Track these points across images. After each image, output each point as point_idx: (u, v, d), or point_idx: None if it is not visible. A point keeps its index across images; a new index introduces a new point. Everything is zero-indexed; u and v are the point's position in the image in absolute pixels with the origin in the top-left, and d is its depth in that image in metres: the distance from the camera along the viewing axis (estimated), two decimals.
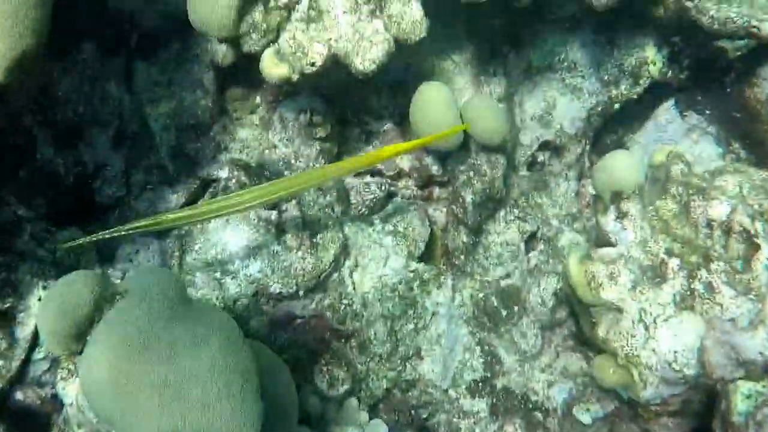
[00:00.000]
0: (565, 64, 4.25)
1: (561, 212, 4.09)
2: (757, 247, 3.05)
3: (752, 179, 3.44)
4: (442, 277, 3.76)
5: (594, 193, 3.81)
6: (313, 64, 3.28)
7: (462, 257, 3.83)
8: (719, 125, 4.21)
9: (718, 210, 3.12)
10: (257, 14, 3.21)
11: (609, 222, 3.28)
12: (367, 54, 3.30)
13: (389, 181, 3.91)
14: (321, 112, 3.76)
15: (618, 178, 3.33)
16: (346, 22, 3.36)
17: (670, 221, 3.20)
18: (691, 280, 3.12)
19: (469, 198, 3.77)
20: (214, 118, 3.79)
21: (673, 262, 3.09)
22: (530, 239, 4.04)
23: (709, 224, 3.14)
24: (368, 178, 3.88)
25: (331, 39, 3.36)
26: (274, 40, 3.32)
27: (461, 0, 3.50)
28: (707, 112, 4.25)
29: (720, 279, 3.09)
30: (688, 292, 3.11)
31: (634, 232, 3.19)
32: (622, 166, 3.35)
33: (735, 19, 3.60)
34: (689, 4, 3.68)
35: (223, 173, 3.67)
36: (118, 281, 2.85)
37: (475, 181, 3.80)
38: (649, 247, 3.14)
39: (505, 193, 3.96)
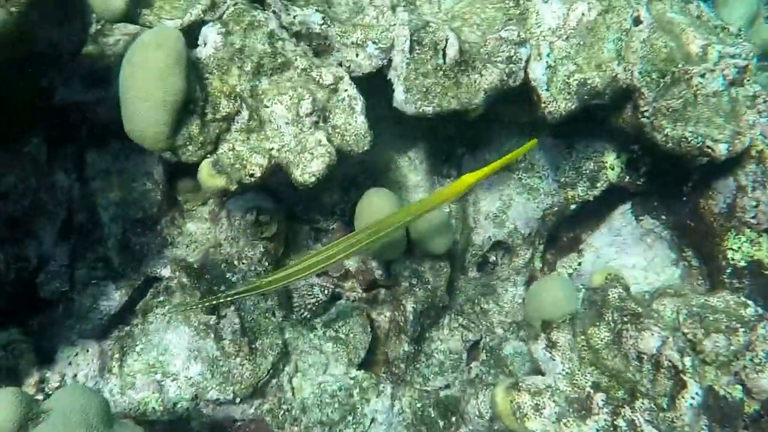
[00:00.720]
0: (523, 164, 4.18)
1: (506, 320, 4.00)
2: (684, 385, 2.96)
3: (690, 304, 3.37)
4: (382, 385, 3.67)
5: (525, 319, 3.73)
6: (252, 176, 3.22)
7: (402, 366, 3.75)
8: (674, 232, 4.12)
9: (649, 343, 3.02)
10: (194, 128, 3.14)
11: (539, 350, 3.20)
12: (308, 167, 3.23)
13: (335, 281, 3.85)
14: (269, 211, 3.69)
15: (549, 308, 3.24)
16: (288, 132, 3.31)
17: (601, 351, 3.11)
18: (615, 416, 3.03)
19: (410, 307, 3.69)
20: (163, 210, 3.74)
21: (599, 397, 3.00)
22: (473, 347, 3.95)
23: (639, 357, 3.06)
24: (314, 280, 3.82)
25: (273, 149, 3.30)
26: (213, 151, 3.26)
27: (407, 113, 3.44)
28: (663, 217, 4.17)
29: (643, 417, 2.99)
30: (611, 429, 3.04)
31: (563, 363, 3.10)
32: (553, 295, 3.26)
33: (690, 139, 3.52)
34: (645, 120, 3.60)
35: (166, 272, 3.63)
36: (43, 399, 2.81)
37: (418, 289, 3.72)
38: (577, 379, 3.06)
39: (448, 300, 3.88)
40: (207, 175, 3.19)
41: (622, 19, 3.69)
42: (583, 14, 3.63)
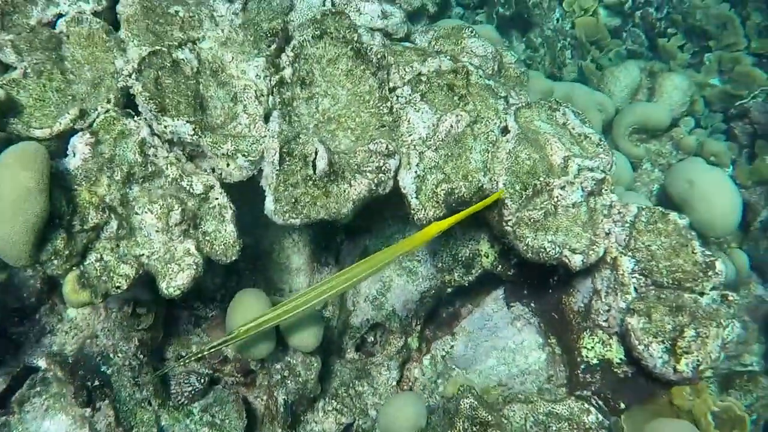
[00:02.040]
0: None
1: (380, 402, 4.13)
2: None
3: (537, 412, 3.52)
4: None
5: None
6: (118, 288, 3.25)
7: None
8: (541, 318, 4.26)
9: None
10: (59, 242, 3.13)
11: None
12: (174, 280, 3.26)
13: (215, 365, 3.92)
14: (146, 303, 3.73)
15: (399, 426, 3.38)
16: (158, 240, 3.33)
17: None
18: None
19: (281, 398, 3.77)
20: (43, 298, 3.75)
21: None
22: (347, 430, 4.07)
23: None
24: (193, 366, 3.88)
25: (143, 255, 3.33)
26: (80, 262, 3.27)
27: (277, 222, 3.49)
28: (532, 305, 4.29)
29: None
30: None
31: None
32: (403, 413, 3.40)
33: (548, 249, 3.62)
34: (509, 228, 3.71)
35: (42, 363, 3.64)
36: None
37: (289, 381, 3.80)
38: None
39: (319, 391, 3.98)
40: (71, 290, 3.19)
41: (489, 129, 3.77)
42: (451, 126, 3.69)
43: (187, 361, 3.46)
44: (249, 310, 3.53)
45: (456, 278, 4.27)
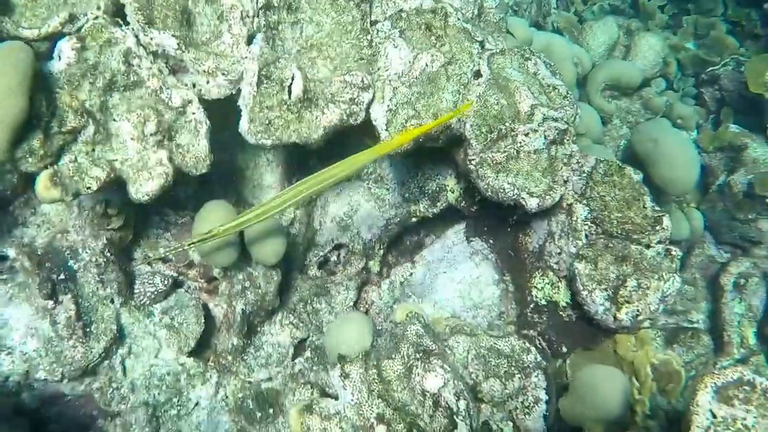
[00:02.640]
0: (373, 176, 4.39)
1: (335, 320, 4.33)
2: (455, 426, 3.35)
3: (480, 346, 3.69)
4: (208, 373, 3.97)
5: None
6: (89, 188, 3.35)
7: (230, 357, 4.04)
8: (498, 255, 4.45)
9: (432, 383, 3.35)
10: (35, 142, 3.20)
11: (334, 377, 3.50)
12: (143, 186, 3.38)
13: (180, 269, 4.06)
14: (117, 204, 3.83)
15: (345, 345, 3.55)
16: (132, 147, 3.43)
17: (393, 382, 3.42)
18: None
19: (239, 308, 3.94)
20: (19, 191, 3.83)
21: (380, 429, 3.37)
22: (300, 344, 4.27)
23: (424, 393, 3.42)
24: (159, 267, 4.03)
25: (116, 160, 3.43)
26: (54, 162, 3.37)
27: (249, 142, 3.60)
28: (491, 241, 4.47)
29: None
30: None
31: (353, 394, 3.42)
32: (349, 334, 3.56)
33: (507, 190, 3.76)
34: (471, 167, 3.85)
35: (11, 252, 3.75)
36: None
37: (249, 293, 3.96)
38: (363, 410, 3.40)
39: (277, 304, 4.15)
40: (43, 187, 3.29)
41: (462, 72, 3.86)
42: (426, 65, 3.78)
43: (168, 253, 3.58)
44: (215, 219, 3.64)
45: (421, 209, 4.43)
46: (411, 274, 4.52)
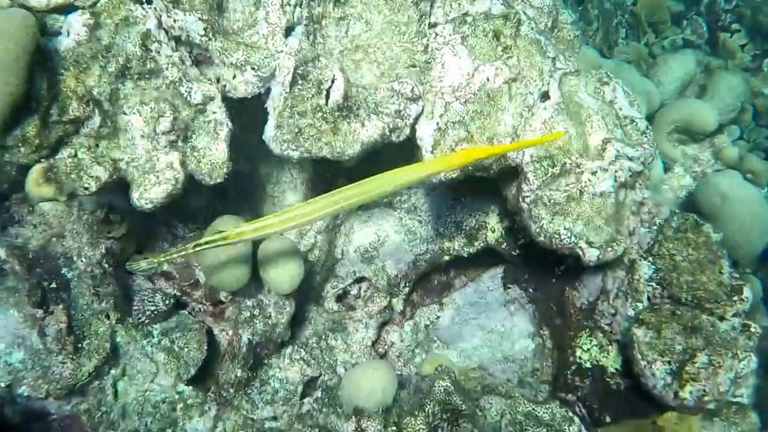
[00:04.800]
0: (406, 205, 3.91)
1: (351, 360, 3.81)
2: None
3: (516, 410, 3.22)
4: (207, 405, 3.47)
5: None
6: (86, 189, 2.91)
7: (231, 390, 3.53)
8: (536, 307, 3.92)
9: None
10: (30, 128, 2.78)
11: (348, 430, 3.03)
12: (148, 191, 2.93)
13: (185, 288, 3.59)
14: (121, 211, 3.38)
15: (364, 397, 3.05)
16: (142, 145, 2.98)
17: None
18: None
19: (246, 338, 3.45)
20: (17, 186, 3.40)
21: None
22: (311, 383, 3.75)
23: None
24: (161, 283, 3.55)
25: (122, 159, 2.98)
26: (51, 155, 2.92)
27: (273, 152, 3.12)
28: (530, 290, 3.95)
29: None
30: None
31: None
32: (371, 385, 3.06)
33: (563, 236, 3.25)
34: (524, 205, 3.33)
35: (1, 253, 3.32)
36: None
37: (258, 322, 3.47)
38: None
39: (288, 337, 3.64)
40: (34, 182, 2.87)
41: (528, 91, 3.36)
42: (488, 79, 3.28)
43: (169, 257, 2.93)
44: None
45: (456, 247, 3.92)
46: (438, 317, 4.01)
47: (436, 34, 3.38)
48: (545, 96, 3.38)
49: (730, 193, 4.70)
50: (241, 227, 2.77)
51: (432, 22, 3.48)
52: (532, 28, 3.45)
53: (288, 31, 3.16)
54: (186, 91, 3.00)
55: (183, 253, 2.81)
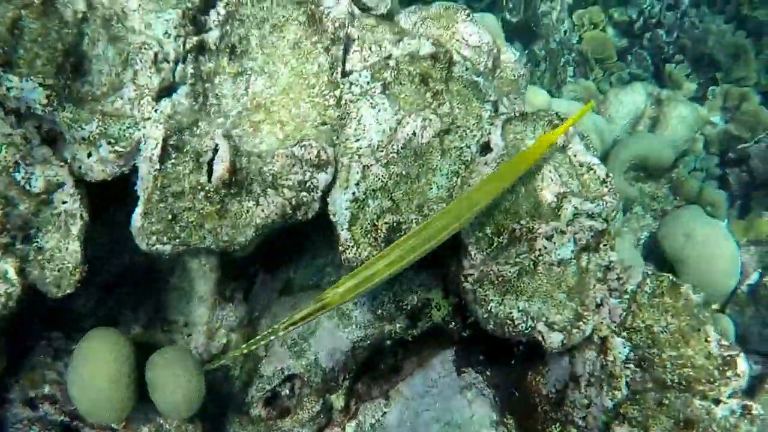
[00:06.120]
0: None
1: None
2: None
3: None
4: None
5: None
6: None
7: None
8: (497, 392, 3.11)
9: None
10: None
11: None
12: None
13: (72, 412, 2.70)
14: None
15: None
16: None
17: None
18: None
19: None
20: None
21: None
22: None
23: None
24: (45, 408, 2.66)
25: None
26: None
27: (140, 247, 2.29)
28: (487, 374, 3.13)
29: None
30: None
31: None
32: None
33: (517, 321, 2.47)
34: (468, 286, 2.54)
35: None
36: None
37: None
38: None
39: None
40: None
41: (465, 144, 2.59)
42: (413, 133, 2.51)
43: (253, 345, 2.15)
44: (100, 359, 2.32)
45: (398, 330, 3.09)
46: (384, 413, 3.19)
47: (351, 84, 2.60)
48: (486, 147, 2.62)
49: (694, 232, 4.07)
50: (341, 285, 2.12)
51: (348, 69, 2.70)
52: (467, 69, 2.70)
53: (165, 92, 2.37)
54: (23, 179, 2.17)
55: (272, 336, 2.12)
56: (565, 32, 5.96)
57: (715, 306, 4.52)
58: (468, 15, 3.08)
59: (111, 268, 2.83)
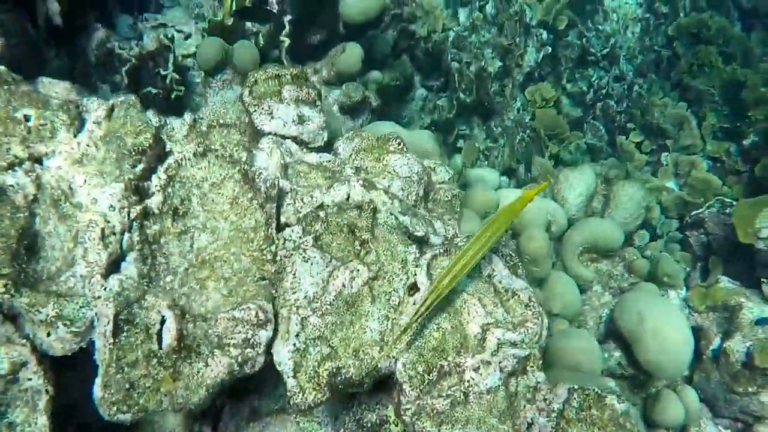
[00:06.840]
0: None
1: None
2: None
3: None
4: None
5: None
6: None
7: None
8: None
9: None
10: None
11: None
12: None
13: None
14: None
15: None
16: None
17: None
18: None
19: None
20: None
21: None
22: None
23: None
24: None
25: None
26: None
27: (103, 416, 2.47)
28: None
29: None
30: None
31: None
32: None
33: None
34: (407, 419, 2.68)
35: None
36: None
37: None
38: None
39: None
40: None
41: (393, 288, 2.78)
42: (343, 285, 2.70)
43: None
44: None
45: None
46: None
47: (285, 240, 2.81)
48: (413, 288, 2.80)
49: (645, 311, 4.21)
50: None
51: (284, 221, 2.92)
52: (391, 214, 2.90)
53: (114, 265, 2.58)
54: None
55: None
56: (519, 110, 6.17)
57: (679, 377, 4.62)
58: (399, 144, 3.30)
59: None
